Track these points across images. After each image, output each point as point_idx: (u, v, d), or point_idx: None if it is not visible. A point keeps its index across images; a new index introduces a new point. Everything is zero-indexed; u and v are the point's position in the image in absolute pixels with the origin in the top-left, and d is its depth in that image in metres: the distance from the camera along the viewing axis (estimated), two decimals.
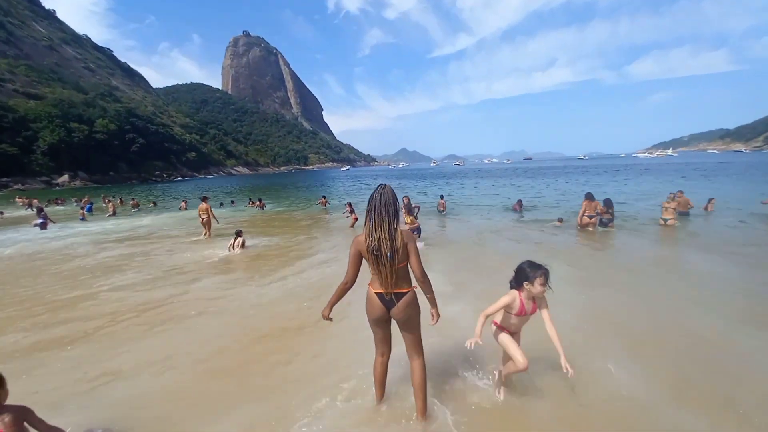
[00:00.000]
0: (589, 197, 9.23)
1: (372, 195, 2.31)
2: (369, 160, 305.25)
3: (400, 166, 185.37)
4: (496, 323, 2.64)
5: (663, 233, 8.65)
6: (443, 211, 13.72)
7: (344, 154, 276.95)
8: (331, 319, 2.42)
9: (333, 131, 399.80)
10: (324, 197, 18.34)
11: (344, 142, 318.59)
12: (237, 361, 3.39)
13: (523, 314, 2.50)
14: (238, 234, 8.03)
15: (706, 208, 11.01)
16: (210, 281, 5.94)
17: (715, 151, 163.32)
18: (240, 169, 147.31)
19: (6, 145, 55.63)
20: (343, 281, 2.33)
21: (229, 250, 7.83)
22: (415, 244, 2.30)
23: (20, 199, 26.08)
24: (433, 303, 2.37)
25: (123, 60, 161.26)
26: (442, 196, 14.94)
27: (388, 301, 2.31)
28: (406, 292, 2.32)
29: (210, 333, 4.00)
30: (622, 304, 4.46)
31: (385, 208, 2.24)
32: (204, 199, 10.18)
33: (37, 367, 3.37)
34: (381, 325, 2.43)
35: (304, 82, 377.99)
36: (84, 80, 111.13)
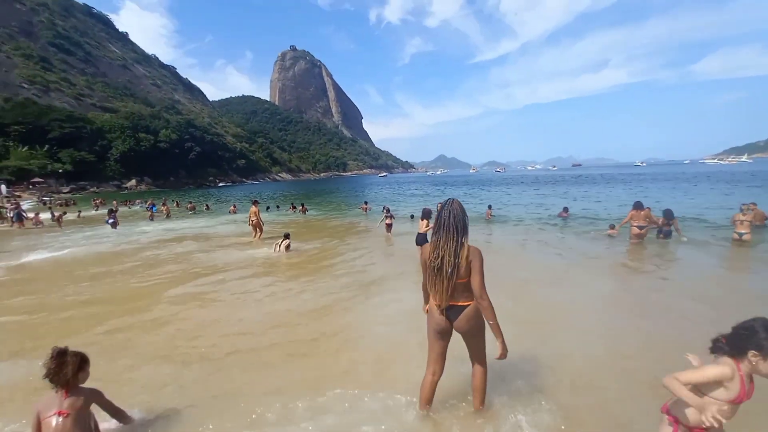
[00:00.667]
0: (638, 206, 8.47)
1: (440, 211, 2.30)
2: (407, 166, 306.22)
3: (438, 172, 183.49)
4: (672, 419, 1.74)
5: (735, 250, 7.50)
6: (489, 219, 13.86)
7: (382, 161, 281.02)
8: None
9: (372, 138, 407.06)
10: (366, 203, 18.70)
11: (382, 149, 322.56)
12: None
13: (740, 401, 1.57)
14: (286, 236, 8.34)
15: None
16: (258, 279, 6.20)
17: None
18: (284, 175, 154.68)
19: (85, 152, 63.24)
20: (423, 284, 2.47)
21: (275, 251, 8.14)
22: (481, 262, 2.22)
23: (95, 201, 29.39)
24: (497, 332, 2.20)
25: (185, 76, 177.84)
26: (490, 206, 14.98)
27: (445, 312, 2.30)
28: (467, 305, 2.26)
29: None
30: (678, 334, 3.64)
31: (454, 225, 2.22)
32: (254, 203, 10.71)
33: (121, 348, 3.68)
34: (439, 339, 2.37)
35: (345, 91, 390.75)
36: (151, 95, 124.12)
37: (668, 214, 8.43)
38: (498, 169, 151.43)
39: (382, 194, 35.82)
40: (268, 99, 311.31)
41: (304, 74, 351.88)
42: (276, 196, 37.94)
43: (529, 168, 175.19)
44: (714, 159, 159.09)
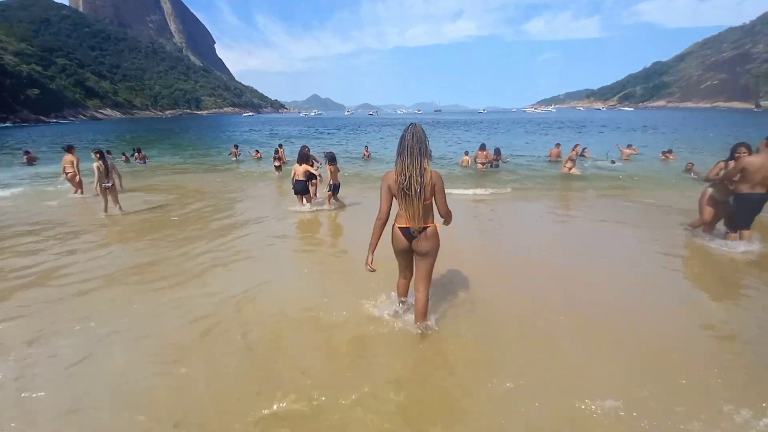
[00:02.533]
0: (482, 147, 12.03)
1: (403, 134, 2.44)
2: (277, 106, 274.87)
3: (313, 114, 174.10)
4: None
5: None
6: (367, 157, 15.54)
7: (247, 98, 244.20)
8: (374, 270, 2.58)
9: (230, 70, 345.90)
10: (236, 146, 16.49)
11: (246, 84, 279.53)
12: None
13: None
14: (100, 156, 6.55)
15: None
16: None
17: (581, 109, 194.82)
18: (108, 111, 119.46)
19: None
20: (378, 217, 2.53)
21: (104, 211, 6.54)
22: (443, 184, 2.49)
23: None
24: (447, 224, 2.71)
25: None
26: (366, 146, 16.83)
27: (412, 234, 2.55)
28: (429, 227, 2.54)
29: None
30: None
31: (417, 147, 2.39)
32: (69, 150, 8.16)
33: None
34: (405, 256, 2.74)
35: (187, 5, 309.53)
36: None
37: (497, 152, 12.16)
38: (371, 113, 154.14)
39: (253, 138, 32.02)
40: (68, 3, 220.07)
41: None
42: (100, 141, 29.33)
43: (399, 112, 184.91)
44: (532, 108, 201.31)
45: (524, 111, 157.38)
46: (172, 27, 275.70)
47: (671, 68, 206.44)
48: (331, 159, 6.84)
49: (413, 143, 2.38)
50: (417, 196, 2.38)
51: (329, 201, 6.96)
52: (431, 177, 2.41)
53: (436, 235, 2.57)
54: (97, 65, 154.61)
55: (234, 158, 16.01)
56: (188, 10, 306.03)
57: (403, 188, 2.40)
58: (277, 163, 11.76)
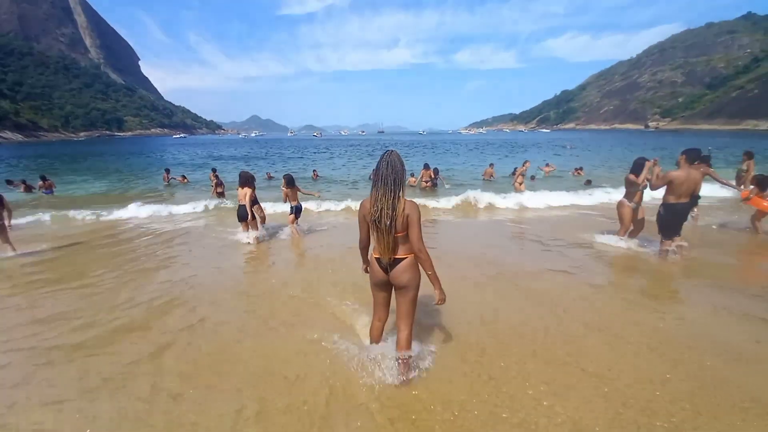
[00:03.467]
0: (426, 167, 12.95)
1: (379, 162, 2.30)
2: (213, 127, 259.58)
3: (253, 135, 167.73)
4: None
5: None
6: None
7: (178, 119, 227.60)
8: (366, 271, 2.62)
9: (159, 89, 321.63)
10: (167, 170, 15.20)
11: (176, 104, 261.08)
12: None
13: None
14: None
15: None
16: None
17: (507, 130, 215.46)
18: (8, 135, 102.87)
19: None
20: (360, 243, 2.54)
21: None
22: (418, 216, 2.30)
23: None
24: (434, 280, 2.37)
25: None
26: (314, 171, 17.09)
27: (386, 266, 2.40)
28: (405, 258, 2.36)
29: None
30: None
31: (392, 176, 2.25)
32: None
33: None
34: (381, 290, 2.57)
35: (105, 19, 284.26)
36: None
37: (435, 171, 12.94)
38: (315, 134, 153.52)
39: (188, 158, 29.85)
40: None
41: None
42: None
43: (343, 133, 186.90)
44: (466, 130, 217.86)
45: (459, 132, 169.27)
46: (88, 41, 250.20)
47: (576, 96, 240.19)
48: (289, 181, 6.60)
49: (387, 173, 2.24)
50: (387, 229, 2.26)
51: (292, 223, 6.74)
52: (404, 208, 2.26)
53: (412, 267, 2.37)
54: None
55: (166, 183, 14.79)
56: (106, 23, 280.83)
57: (374, 220, 2.29)
58: (220, 189, 11.13)
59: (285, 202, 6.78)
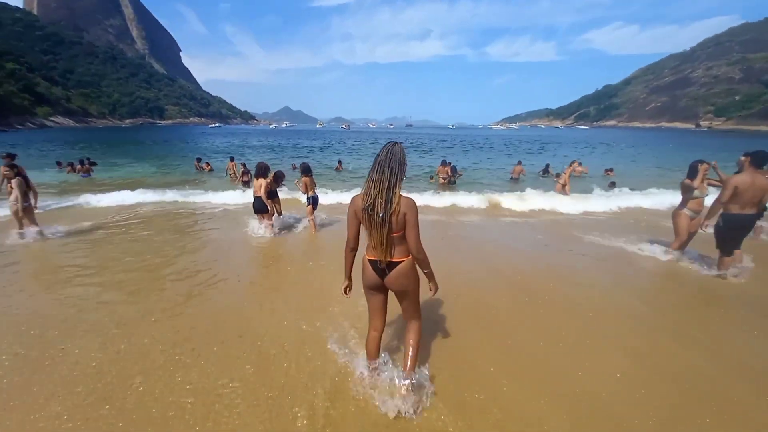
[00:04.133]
0: (444, 163, 12.84)
1: (379, 151, 2.12)
2: (247, 117, 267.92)
3: (284, 126, 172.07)
4: None
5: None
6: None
7: (214, 108, 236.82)
8: (349, 296, 2.39)
9: (197, 79, 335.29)
10: (198, 159, 15.89)
11: (213, 95, 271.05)
12: None
13: None
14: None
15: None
16: None
17: (542, 126, 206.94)
18: (59, 119, 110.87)
19: None
20: (346, 244, 2.26)
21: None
22: (416, 216, 2.12)
23: None
24: (430, 277, 2.29)
25: None
26: (339, 161, 17.39)
27: (381, 269, 2.20)
28: (400, 262, 2.18)
29: None
30: None
31: (389, 165, 2.06)
32: (8, 159, 7.05)
33: None
34: (375, 295, 2.35)
35: (150, 11, 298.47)
36: None
37: (453, 168, 12.84)
38: (343, 126, 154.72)
39: (216, 145, 30.86)
40: (21, 6, 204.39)
41: None
42: (47, 152, 26.98)
43: (371, 126, 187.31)
44: (497, 125, 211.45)
45: (490, 128, 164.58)
46: (134, 33, 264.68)
47: (619, 91, 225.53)
48: (305, 170, 6.43)
49: (385, 160, 2.06)
50: (381, 221, 2.05)
51: (310, 214, 6.52)
52: (400, 204, 2.07)
53: (410, 270, 2.20)
54: (48, 70, 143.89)
55: (198, 170, 15.34)
56: (151, 15, 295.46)
57: (366, 210, 2.08)
58: (246, 178, 11.28)
59: (304, 192, 6.52)
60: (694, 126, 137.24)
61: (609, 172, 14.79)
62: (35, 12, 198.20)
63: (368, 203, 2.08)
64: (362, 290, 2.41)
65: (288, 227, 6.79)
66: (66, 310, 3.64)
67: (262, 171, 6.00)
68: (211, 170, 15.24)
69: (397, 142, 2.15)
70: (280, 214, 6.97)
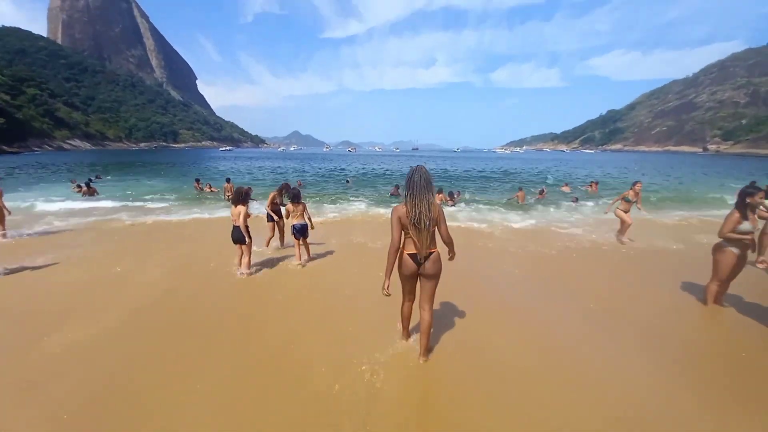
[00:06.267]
0: (439, 191, 12.43)
1: (411, 175, 2.85)
2: (257, 141, 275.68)
3: (292, 149, 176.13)
4: None
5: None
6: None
7: (226, 132, 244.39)
8: (389, 294, 2.88)
9: (212, 105, 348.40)
10: (197, 180, 15.84)
11: (226, 119, 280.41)
12: None
13: None
14: None
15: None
16: None
17: (547, 150, 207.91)
18: (77, 143, 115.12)
19: None
20: (392, 245, 2.88)
21: None
22: (444, 214, 2.94)
23: None
24: (452, 252, 3.09)
25: None
26: (347, 179, 17.41)
27: (419, 261, 2.91)
28: (433, 252, 2.94)
29: None
30: None
31: (425, 186, 2.81)
32: None
33: None
34: (410, 281, 3.08)
35: (169, 41, 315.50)
36: None
37: (450, 194, 12.99)
38: (350, 149, 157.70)
39: (223, 168, 31.22)
40: (46, 35, 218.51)
41: (103, 7, 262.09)
42: (55, 171, 27.56)
43: (377, 149, 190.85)
44: (502, 149, 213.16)
45: (494, 151, 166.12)
46: (154, 62, 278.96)
47: (624, 115, 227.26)
48: (294, 196, 5.77)
49: (421, 182, 2.79)
50: (426, 228, 2.79)
51: (297, 245, 5.74)
52: (436, 209, 2.82)
53: (439, 259, 2.97)
54: (70, 96, 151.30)
55: (197, 191, 15.26)
56: (170, 46, 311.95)
57: (413, 222, 2.77)
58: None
59: (287, 218, 5.86)
60: (701, 150, 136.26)
61: (592, 186, 15.99)
62: (59, 41, 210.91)
63: (415, 219, 2.77)
64: None
65: (271, 263, 5.93)
66: None
67: (241, 197, 5.12)
68: (212, 191, 15.14)
69: (420, 166, 2.89)
70: (282, 236, 6.59)
